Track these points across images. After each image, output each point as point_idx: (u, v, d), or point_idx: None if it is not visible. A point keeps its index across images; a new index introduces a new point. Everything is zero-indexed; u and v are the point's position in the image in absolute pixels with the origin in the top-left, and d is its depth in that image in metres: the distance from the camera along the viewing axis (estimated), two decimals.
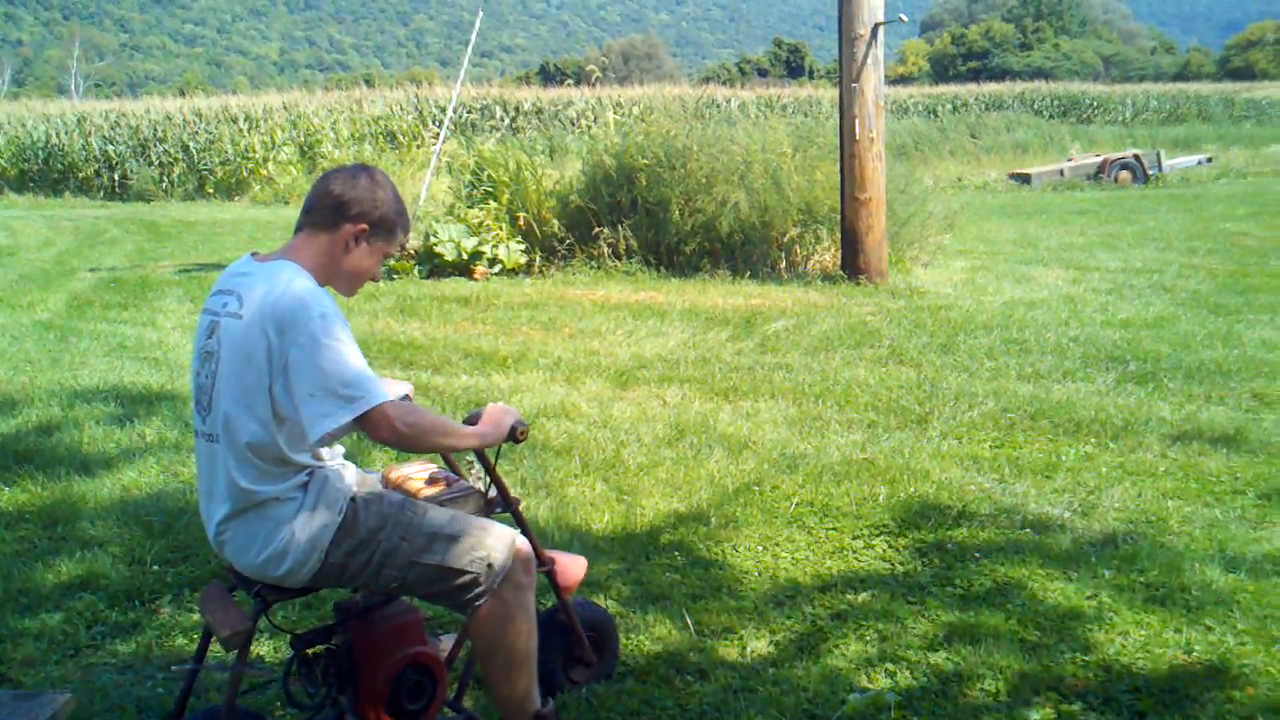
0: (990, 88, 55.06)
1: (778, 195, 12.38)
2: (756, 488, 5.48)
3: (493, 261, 12.79)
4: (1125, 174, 25.84)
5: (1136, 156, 26.65)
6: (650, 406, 7.06)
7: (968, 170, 29.62)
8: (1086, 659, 3.71)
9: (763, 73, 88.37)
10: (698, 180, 12.71)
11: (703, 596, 4.26)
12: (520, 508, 3.32)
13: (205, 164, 27.50)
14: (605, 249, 12.93)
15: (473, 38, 17.20)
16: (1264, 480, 5.48)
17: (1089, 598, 4.15)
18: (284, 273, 2.85)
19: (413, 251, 13.02)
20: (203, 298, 11.02)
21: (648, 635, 3.94)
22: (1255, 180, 26.11)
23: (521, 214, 13.28)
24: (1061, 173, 26.25)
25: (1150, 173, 26.03)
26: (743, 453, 6.06)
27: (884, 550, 4.69)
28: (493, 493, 3.29)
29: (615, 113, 37.32)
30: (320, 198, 3.00)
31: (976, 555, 4.58)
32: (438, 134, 18.77)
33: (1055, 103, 52.05)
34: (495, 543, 3.03)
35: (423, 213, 14.31)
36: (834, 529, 4.92)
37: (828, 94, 40.92)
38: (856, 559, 4.63)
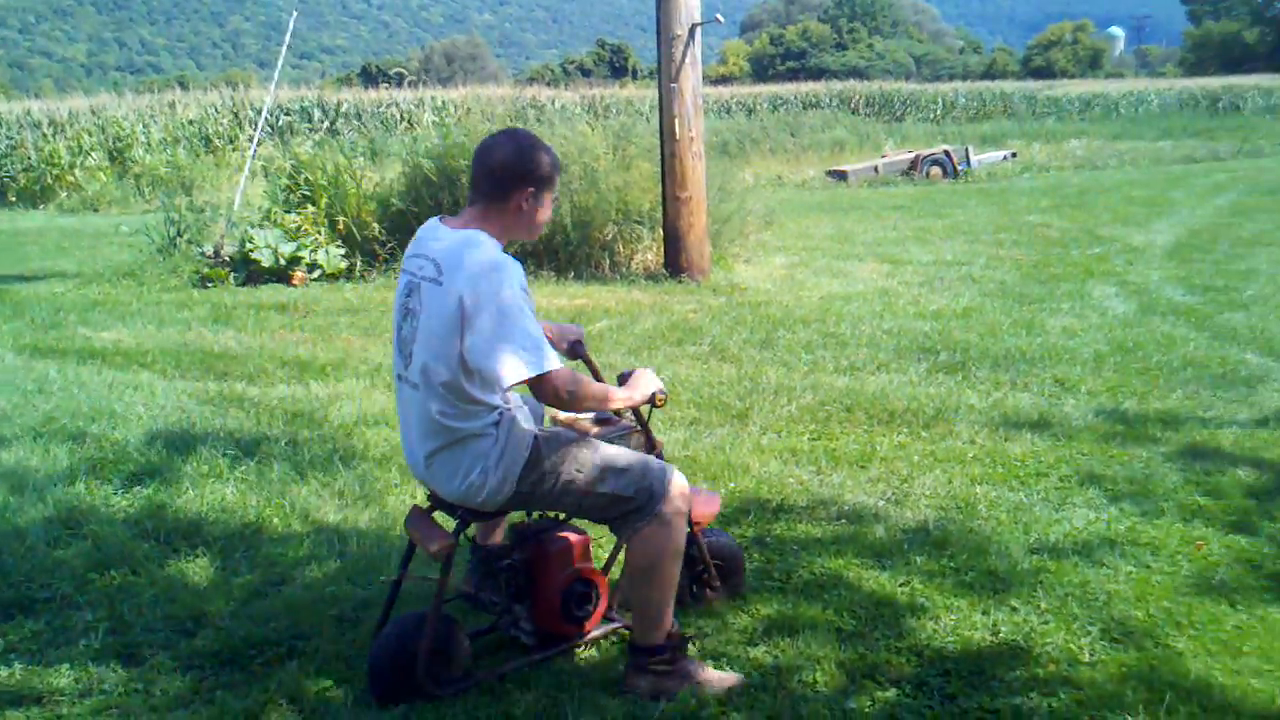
0: (808, 87, 56.27)
1: (596, 195, 12.41)
2: None
3: (312, 267, 12.50)
4: (936, 170, 26.67)
5: (946, 153, 27.53)
6: None
7: (787, 168, 30.17)
8: (900, 645, 3.79)
9: (586, 73, 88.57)
10: None
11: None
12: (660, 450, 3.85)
13: (7, 170, 26.21)
14: None
15: (287, 38, 16.79)
16: (1065, 463, 5.71)
17: (902, 585, 4.26)
18: (474, 241, 3.32)
19: (228, 258, 12.64)
20: (5, 313, 10.55)
21: (481, 644, 3.89)
22: (1056, 174, 27.23)
23: (341, 218, 13.01)
24: (876, 169, 26.94)
25: (959, 168, 26.92)
26: None
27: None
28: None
29: (439, 114, 36.94)
30: (484, 174, 3.42)
31: (795, 548, 4.65)
32: (254, 137, 18.29)
33: (870, 101, 53.44)
34: (656, 475, 3.50)
35: (238, 218, 13.91)
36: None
37: (650, 94, 41.17)
38: None
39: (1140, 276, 11.39)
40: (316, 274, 12.50)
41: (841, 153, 34.79)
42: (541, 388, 3.29)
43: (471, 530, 3.92)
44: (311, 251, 12.52)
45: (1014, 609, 4.03)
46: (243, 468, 5.82)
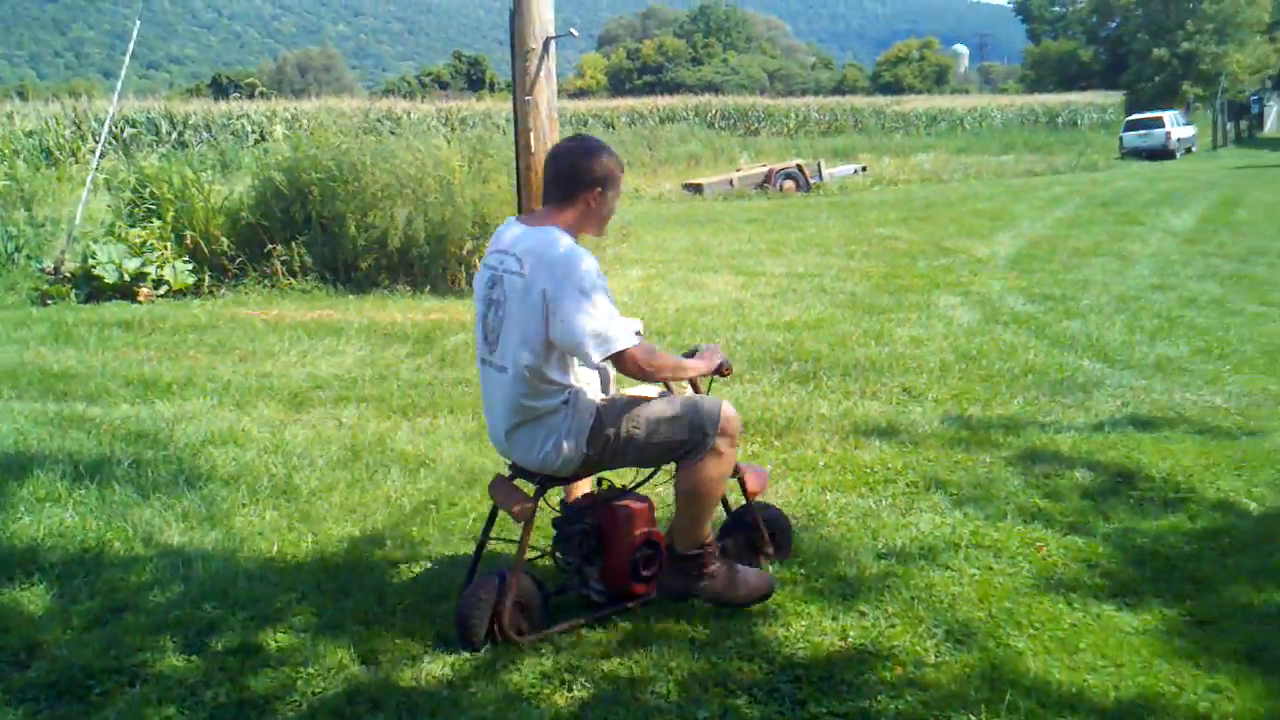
0: (665, 101, 56.83)
1: (451, 208, 12.33)
2: (434, 506, 5.42)
3: (158, 283, 12.16)
4: (789, 183, 27.16)
5: (799, 166, 28.06)
6: (325, 428, 6.87)
7: (644, 181, 30.39)
8: (752, 653, 3.84)
9: (443, 85, 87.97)
10: (372, 194, 12.50)
11: (378, 622, 4.16)
12: None
13: None
14: (279, 267, 12.52)
15: (130, 47, 16.31)
16: (912, 469, 5.85)
17: None
18: (551, 236, 3.75)
19: (69, 275, 12.22)
20: None
21: (319, 667, 3.82)
22: (904, 187, 27.97)
23: (189, 232, 12.69)
24: (731, 183, 27.31)
25: (812, 181, 27.47)
26: (421, 471, 5.97)
27: (565, 561, 4.72)
28: None
29: (290, 127, 36.24)
30: (556, 177, 3.86)
31: None
32: (96, 149, 17.72)
33: (726, 115, 54.14)
34: (707, 414, 3.94)
35: (80, 233, 13.45)
36: (512, 542, 4.89)
37: (508, 106, 41.17)
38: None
39: (983, 287, 11.74)
40: (163, 290, 12.17)
41: (697, 166, 35.20)
42: (623, 361, 3.76)
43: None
44: (158, 267, 12.18)
45: (862, 613, 4.11)
46: (82, 490, 5.62)
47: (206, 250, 12.70)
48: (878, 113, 57.32)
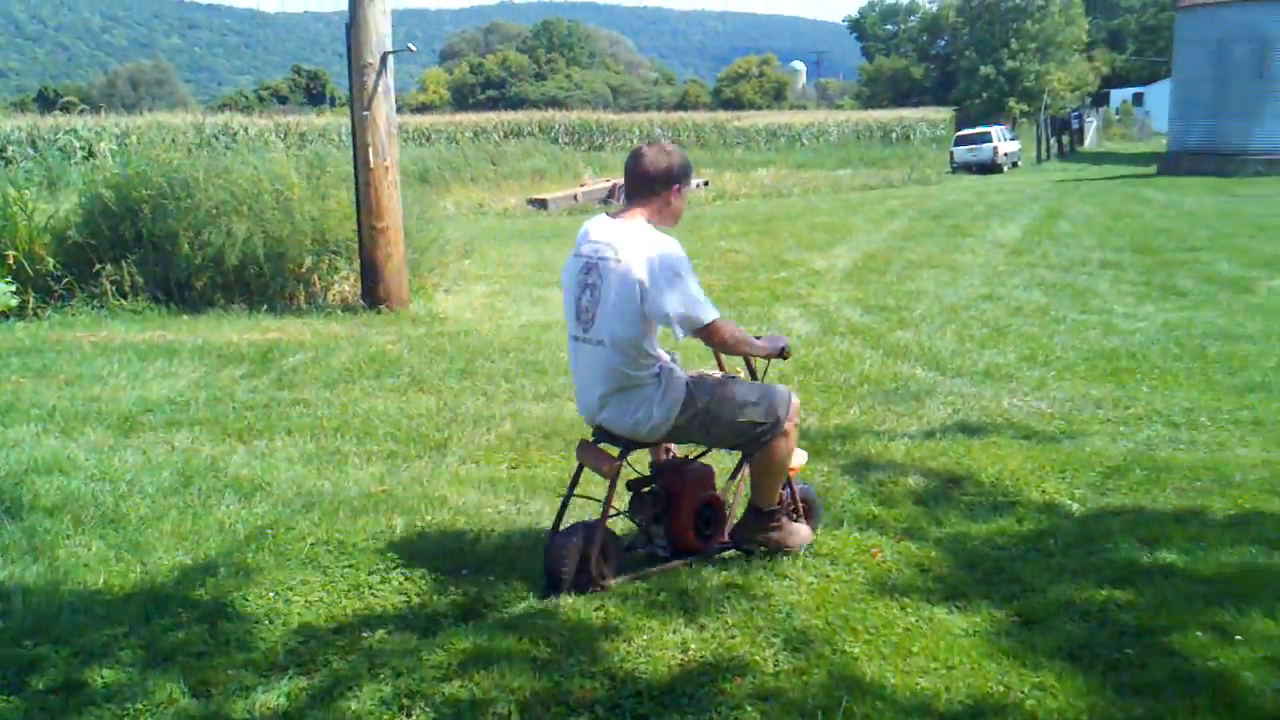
0: (509, 116, 56.76)
1: (290, 225, 12.08)
2: (270, 531, 5.28)
3: None
4: None
5: None
6: (156, 453, 6.65)
7: (489, 196, 30.28)
8: (594, 670, 3.83)
9: (282, 100, 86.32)
10: (207, 211, 12.15)
11: (210, 653, 4.04)
12: None
13: None
14: (109, 287, 12.07)
15: None
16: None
17: (597, 609, 4.31)
18: (640, 227, 4.34)
19: None
20: None
21: (147, 702, 3.69)
22: (746, 201, 28.42)
23: (11, 252, 12.16)
24: (576, 198, 27.39)
25: None
26: (256, 495, 5.82)
27: (401, 583, 4.65)
28: None
29: (119, 143, 35.12)
30: (638, 178, 4.42)
31: (491, 579, 4.64)
32: None
33: (570, 130, 54.25)
34: (778, 401, 4.59)
35: None
36: (351, 566, 4.83)
37: (348, 121, 40.56)
38: (374, 595, 4.55)
39: (821, 299, 12.00)
40: None
41: (542, 181, 35.18)
42: (710, 333, 4.34)
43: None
44: None
45: (703, 626, 4.15)
46: None
47: (30, 271, 12.18)
48: (719, 128, 58.06)
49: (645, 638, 4.05)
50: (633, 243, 4.27)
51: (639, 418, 4.41)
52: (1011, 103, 68.74)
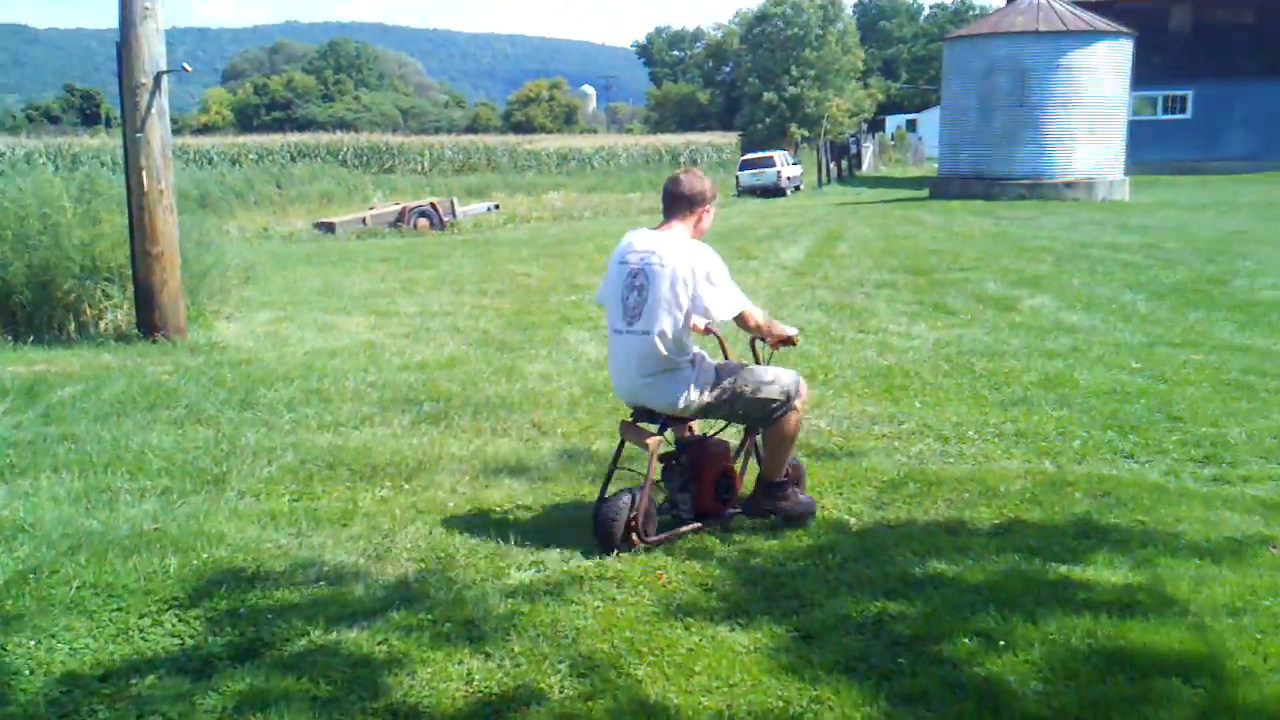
0: (295, 138, 55.62)
1: (58, 251, 11.50)
2: (33, 575, 4.98)
3: None
4: (423, 221, 27.08)
5: (433, 204, 28.05)
6: None
7: (274, 220, 29.58)
8: (376, 706, 3.76)
9: (54, 120, 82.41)
10: None
11: None
12: None
13: None
14: None
15: None
16: (542, 504, 5.93)
17: (380, 643, 4.22)
18: (680, 237, 5.29)
19: None
20: None
21: None
22: (537, 225, 28.51)
23: None
24: (364, 221, 26.95)
25: (446, 220, 27.50)
26: (18, 538, 5.49)
27: (174, 625, 4.46)
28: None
29: None
30: (677, 198, 5.35)
31: (270, 616, 4.50)
32: None
33: (359, 153, 53.46)
34: (789, 382, 5.48)
35: None
36: (120, 610, 4.60)
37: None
38: (144, 639, 4.35)
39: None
40: None
41: (330, 204, 34.57)
42: (743, 319, 5.30)
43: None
44: None
45: (488, 655, 4.11)
46: None
47: None
48: (510, 151, 58.18)
49: (429, 670, 3.99)
50: (675, 250, 5.19)
51: (677, 396, 5.26)
52: (794, 128, 70.94)
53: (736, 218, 29.13)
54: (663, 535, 5.35)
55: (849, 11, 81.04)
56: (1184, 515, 5.64)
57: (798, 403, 5.46)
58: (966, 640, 4.19)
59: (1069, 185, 31.68)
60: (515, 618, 4.42)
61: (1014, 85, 31.77)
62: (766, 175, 44.05)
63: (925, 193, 35.32)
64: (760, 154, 48.43)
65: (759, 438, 5.68)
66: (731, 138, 67.77)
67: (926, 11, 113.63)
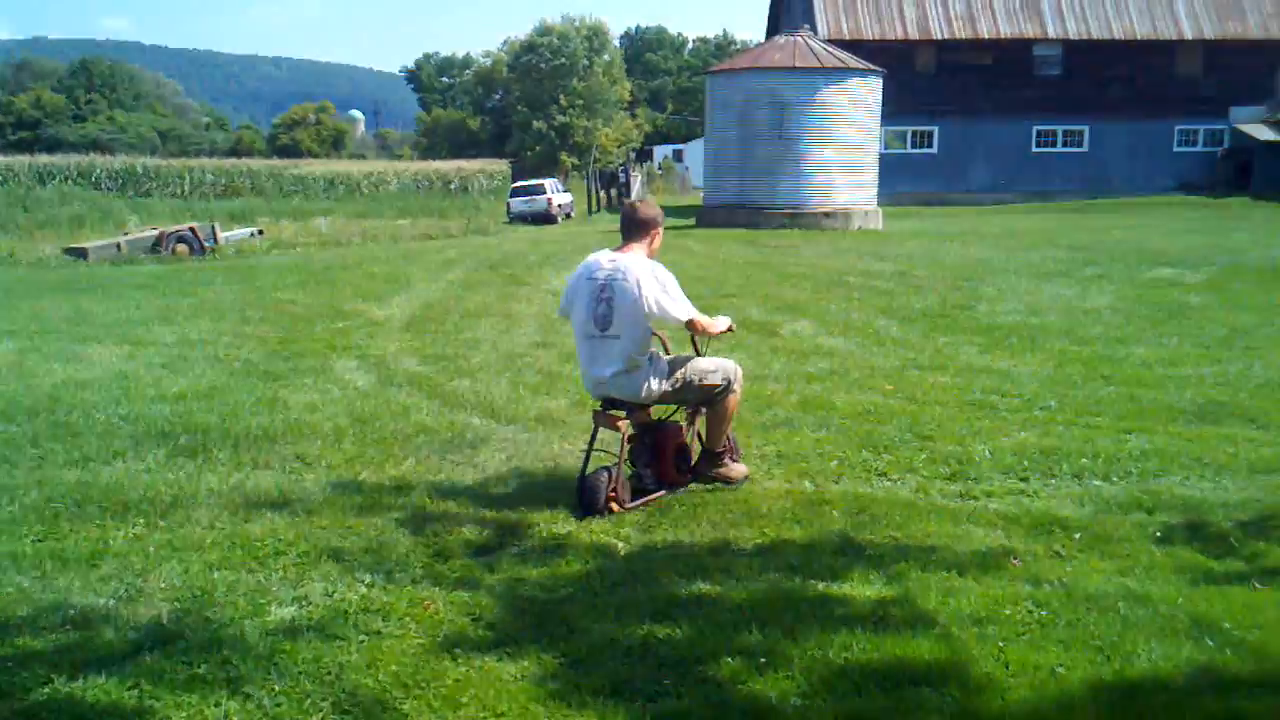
0: (44, 159, 52.96)
1: None
2: None
3: None
4: (182, 247, 26.09)
5: (193, 229, 27.06)
6: None
7: (21, 246, 27.96)
8: None
9: None
10: None
11: None
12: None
13: None
14: None
15: None
16: (305, 539, 5.78)
17: (130, 689, 4.04)
18: (639, 256, 6.36)
19: None
20: None
21: None
22: (303, 251, 27.82)
23: None
24: (119, 247, 25.79)
25: (207, 245, 26.57)
26: None
27: None
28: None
29: None
30: (633, 224, 6.52)
31: (9, 664, 4.25)
32: None
33: (113, 176, 51.30)
34: (729, 369, 6.66)
35: None
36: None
37: None
38: None
39: (380, 349, 11.91)
40: None
41: (81, 229, 33.06)
42: (693, 323, 6.35)
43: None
44: None
45: (248, 696, 3.99)
46: None
47: None
48: (275, 176, 56.70)
49: (184, 714, 3.85)
50: (637, 267, 6.29)
51: (642, 386, 6.37)
52: (564, 156, 71.52)
53: (508, 245, 29.12)
54: (638, 501, 6.39)
55: (615, 43, 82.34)
56: (933, 530, 5.93)
57: (735, 386, 6.65)
58: (730, 660, 4.30)
59: (828, 215, 32.87)
60: (276, 656, 4.30)
61: (773, 119, 32.79)
62: (537, 203, 44.25)
63: (692, 221, 36.05)
64: (531, 181, 48.64)
65: (702, 416, 6.82)
66: (502, 165, 67.76)
67: (691, 45, 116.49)
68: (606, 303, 6.25)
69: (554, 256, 23.83)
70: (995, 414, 8.66)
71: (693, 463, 6.79)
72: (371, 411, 8.81)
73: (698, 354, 6.87)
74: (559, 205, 44.93)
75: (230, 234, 29.26)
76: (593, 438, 6.59)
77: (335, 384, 10.01)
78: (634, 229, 6.53)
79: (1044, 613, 4.74)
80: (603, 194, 52.57)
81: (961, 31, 47.68)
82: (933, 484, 6.86)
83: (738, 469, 6.83)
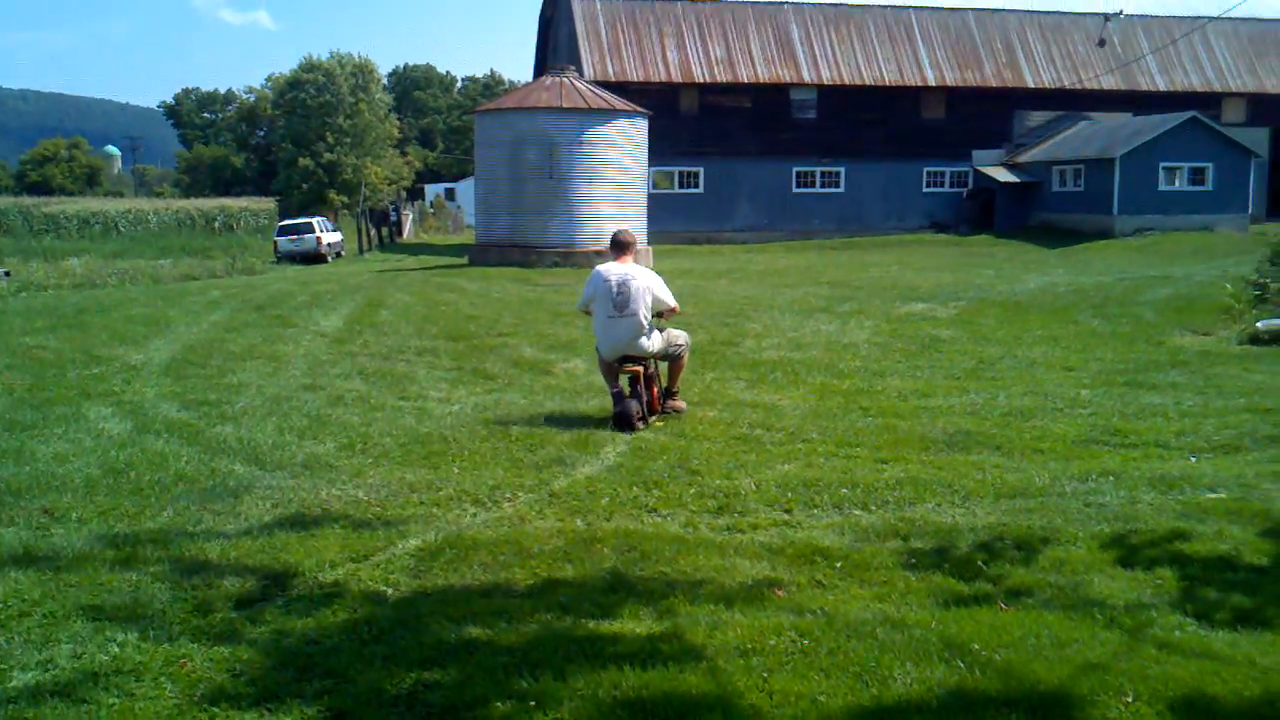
0: None
1: None
2: None
3: None
4: None
5: None
6: None
7: None
8: None
9: None
10: None
11: None
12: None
13: None
14: None
15: None
16: (52, 598, 5.49)
17: None
18: (640, 266, 10.23)
19: None
20: None
21: None
22: (56, 293, 26.46)
23: None
24: None
25: None
26: None
27: None
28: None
29: None
30: (624, 245, 10.16)
31: None
32: None
33: None
34: (687, 336, 10.82)
35: None
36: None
37: None
38: None
39: (137, 395, 11.42)
40: None
41: None
42: (670, 311, 10.18)
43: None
44: None
45: None
46: None
47: None
48: (24, 213, 53.92)
49: None
50: (640, 271, 9.97)
51: (648, 346, 9.88)
52: (332, 194, 70.24)
53: (275, 285, 28.31)
54: (647, 420, 9.78)
55: (383, 81, 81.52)
56: (702, 564, 6.05)
57: (686, 348, 10.57)
58: (500, 704, 4.28)
59: (599, 253, 33.27)
60: None
61: (542, 158, 33.03)
62: (306, 241, 43.34)
63: (465, 260, 35.93)
64: (298, 220, 47.61)
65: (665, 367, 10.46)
66: (268, 203, 66.10)
67: (460, 84, 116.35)
68: (622, 295, 9.74)
69: (323, 296, 23.33)
70: (761, 447, 8.92)
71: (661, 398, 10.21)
72: (127, 461, 8.43)
73: (661, 329, 10.28)
74: (328, 244, 44.12)
75: None
76: (615, 380, 9.85)
77: (88, 433, 9.54)
78: (625, 247, 10.13)
79: (806, 641, 4.89)
80: (374, 232, 51.85)
81: (722, 75, 49.03)
82: (701, 518, 7.00)
83: (682, 404, 10.40)
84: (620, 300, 9.68)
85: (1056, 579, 5.81)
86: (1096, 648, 4.86)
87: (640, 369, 9.79)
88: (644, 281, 9.82)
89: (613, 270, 9.84)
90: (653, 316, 9.92)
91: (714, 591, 5.60)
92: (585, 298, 10.07)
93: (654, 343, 9.87)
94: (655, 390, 10.00)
